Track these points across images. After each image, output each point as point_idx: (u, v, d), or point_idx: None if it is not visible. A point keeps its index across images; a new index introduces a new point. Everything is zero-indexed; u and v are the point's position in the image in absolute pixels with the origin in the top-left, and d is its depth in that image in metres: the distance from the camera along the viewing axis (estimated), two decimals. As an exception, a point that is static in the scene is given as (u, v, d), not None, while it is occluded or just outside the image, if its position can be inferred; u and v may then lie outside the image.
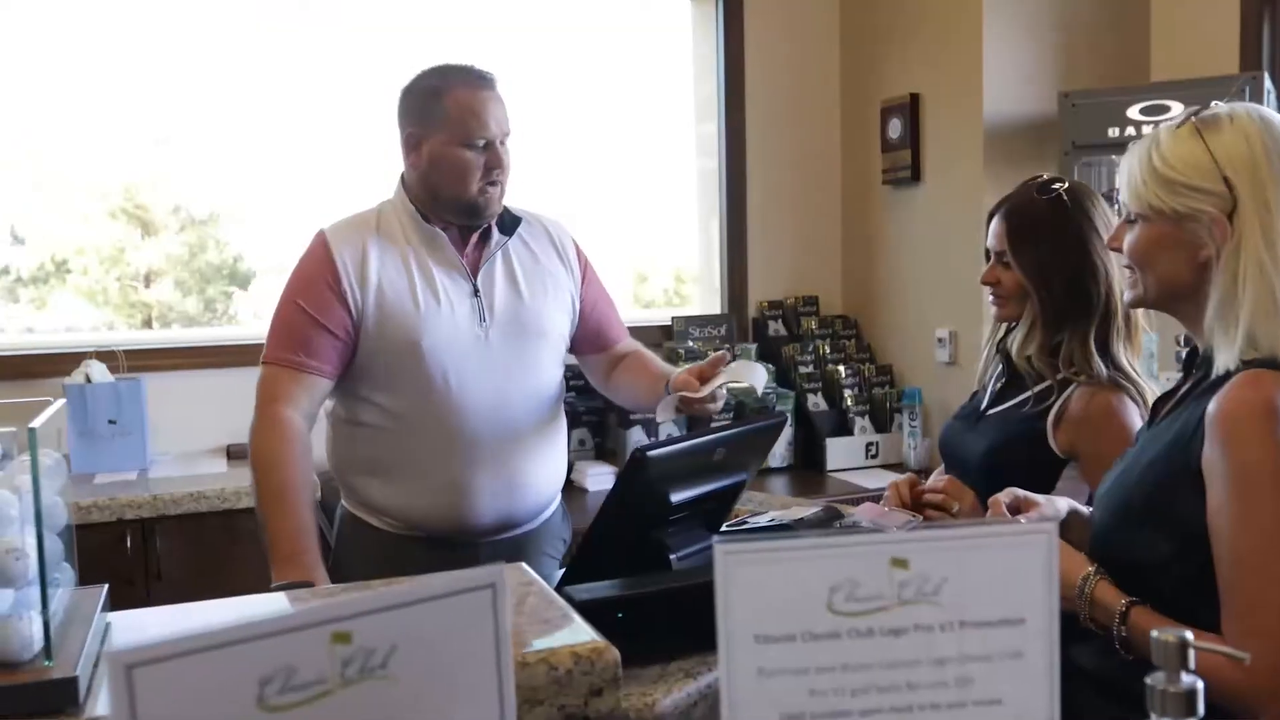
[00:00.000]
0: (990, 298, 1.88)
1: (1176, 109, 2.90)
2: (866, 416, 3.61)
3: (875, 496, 3.18)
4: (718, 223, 3.89)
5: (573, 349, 2.13)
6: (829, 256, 3.97)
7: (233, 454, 3.14)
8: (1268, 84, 2.91)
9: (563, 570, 1.52)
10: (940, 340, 3.51)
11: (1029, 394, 1.81)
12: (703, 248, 3.98)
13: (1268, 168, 1.22)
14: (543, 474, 1.98)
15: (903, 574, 0.73)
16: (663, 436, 3.38)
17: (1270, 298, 1.21)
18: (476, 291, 1.91)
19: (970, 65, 3.32)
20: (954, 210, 3.43)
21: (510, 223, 1.98)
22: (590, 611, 1.20)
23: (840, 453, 3.52)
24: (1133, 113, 2.96)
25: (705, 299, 3.97)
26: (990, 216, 1.88)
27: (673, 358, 3.60)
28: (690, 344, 3.66)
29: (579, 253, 2.10)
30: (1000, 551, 0.73)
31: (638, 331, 3.67)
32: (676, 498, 1.49)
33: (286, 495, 1.72)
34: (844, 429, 3.58)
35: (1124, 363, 1.77)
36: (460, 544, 1.88)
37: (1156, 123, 2.93)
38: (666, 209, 4.08)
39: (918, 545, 0.73)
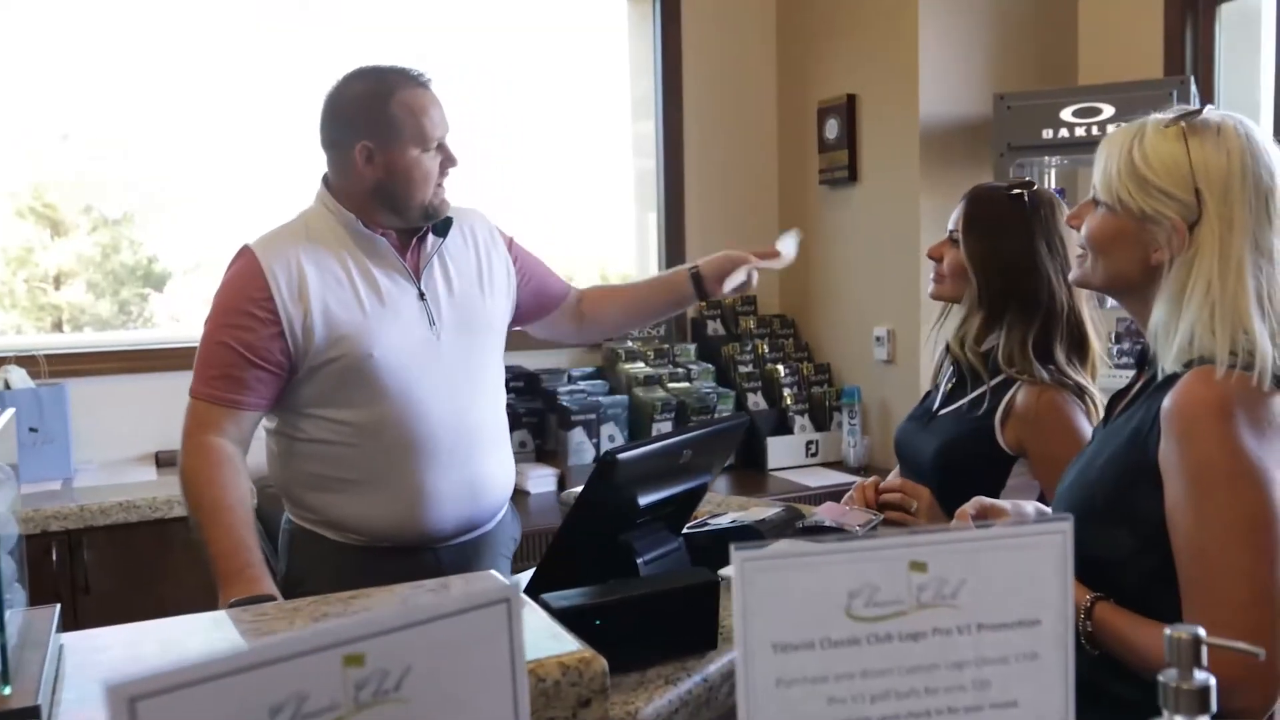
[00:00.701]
0: (932, 273, 1.94)
1: (1108, 111, 2.98)
2: (806, 415, 3.63)
3: (817, 495, 3.22)
4: (655, 222, 3.87)
5: (526, 320, 2.11)
6: (766, 256, 3.98)
7: (162, 461, 3.04)
8: (1194, 89, 3.00)
9: (532, 573, 1.48)
10: (878, 339, 3.54)
11: (977, 394, 1.83)
12: (639, 247, 3.96)
13: (1240, 186, 1.23)
14: (499, 473, 1.95)
15: (921, 577, 0.72)
16: (603, 438, 3.37)
17: (1211, 316, 1.22)
18: (422, 295, 1.87)
19: (906, 67, 3.36)
20: (891, 210, 3.47)
21: (443, 224, 1.94)
22: (568, 619, 1.17)
23: (781, 451, 3.54)
24: (1065, 115, 3.03)
25: (644, 299, 3.95)
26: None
27: (613, 357, 3.59)
28: (630, 344, 3.64)
29: (499, 232, 2.07)
30: (1016, 552, 0.73)
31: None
32: (644, 500, 1.47)
33: (220, 514, 1.67)
34: (784, 428, 3.60)
35: (1065, 366, 1.80)
36: (420, 550, 1.83)
37: (1088, 124, 3.03)
38: (600, 208, 4.05)
39: (936, 548, 0.72)
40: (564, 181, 3.90)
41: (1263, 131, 1.29)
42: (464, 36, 3.54)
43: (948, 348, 1.95)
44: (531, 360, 3.50)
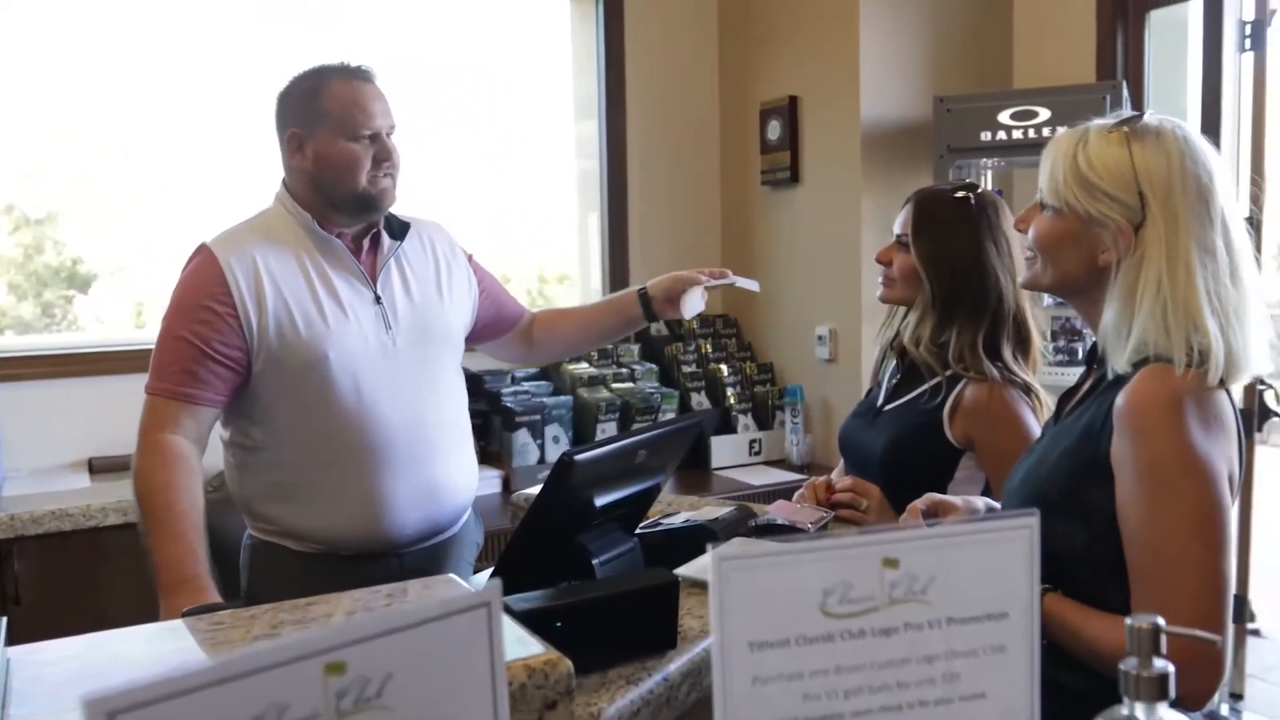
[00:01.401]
0: (879, 278, 1.96)
1: (1044, 114, 3.05)
2: (749, 414, 3.66)
3: (761, 493, 3.24)
4: (598, 222, 3.87)
5: (480, 339, 2.11)
6: (709, 256, 4.00)
7: (95, 468, 2.96)
8: (1125, 93, 3.08)
9: (488, 575, 1.47)
10: (820, 338, 3.58)
11: (924, 388, 1.87)
12: (581, 248, 3.96)
13: (1181, 189, 1.27)
14: (460, 478, 1.93)
15: (893, 574, 0.73)
16: (548, 439, 3.36)
17: (1163, 315, 1.26)
18: (379, 299, 1.85)
19: (847, 69, 3.40)
20: (832, 211, 3.51)
21: (399, 228, 1.93)
22: (529, 621, 1.17)
23: (725, 450, 3.56)
24: (1003, 117, 3.09)
25: (584, 299, 3.95)
26: (905, 204, 1.96)
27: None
28: (574, 345, 3.64)
29: (460, 248, 2.07)
30: (984, 547, 0.74)
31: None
32: (600, 501, 1.46)
33: (171, 520, 1.63)
34: (727, 427, 3.62)
35: (1012, 364, 1.85)
36: (381, 557, 1.81)
37: (1025, 127, 3.09)
38: (542, 209, 4.04)
39: (907, 545, 0.73)
40: (506, 181, 3.88)
41: (1198, 134, 1.33)
42: (405, 36, 3.51)
43: (891, 345, 1.98)
44: (475, 362, 3.46)
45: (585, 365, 3.59)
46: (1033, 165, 3.47)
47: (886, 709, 0.74)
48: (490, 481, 3.24)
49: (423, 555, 1.86)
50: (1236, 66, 3.14)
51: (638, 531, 1.68)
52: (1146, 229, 1.27)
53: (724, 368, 3.70)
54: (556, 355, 2.30)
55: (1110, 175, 1.28)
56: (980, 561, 0.74)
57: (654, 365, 3.67)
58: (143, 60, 3.19)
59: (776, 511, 1.77)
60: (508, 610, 1.18)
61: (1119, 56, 3.38)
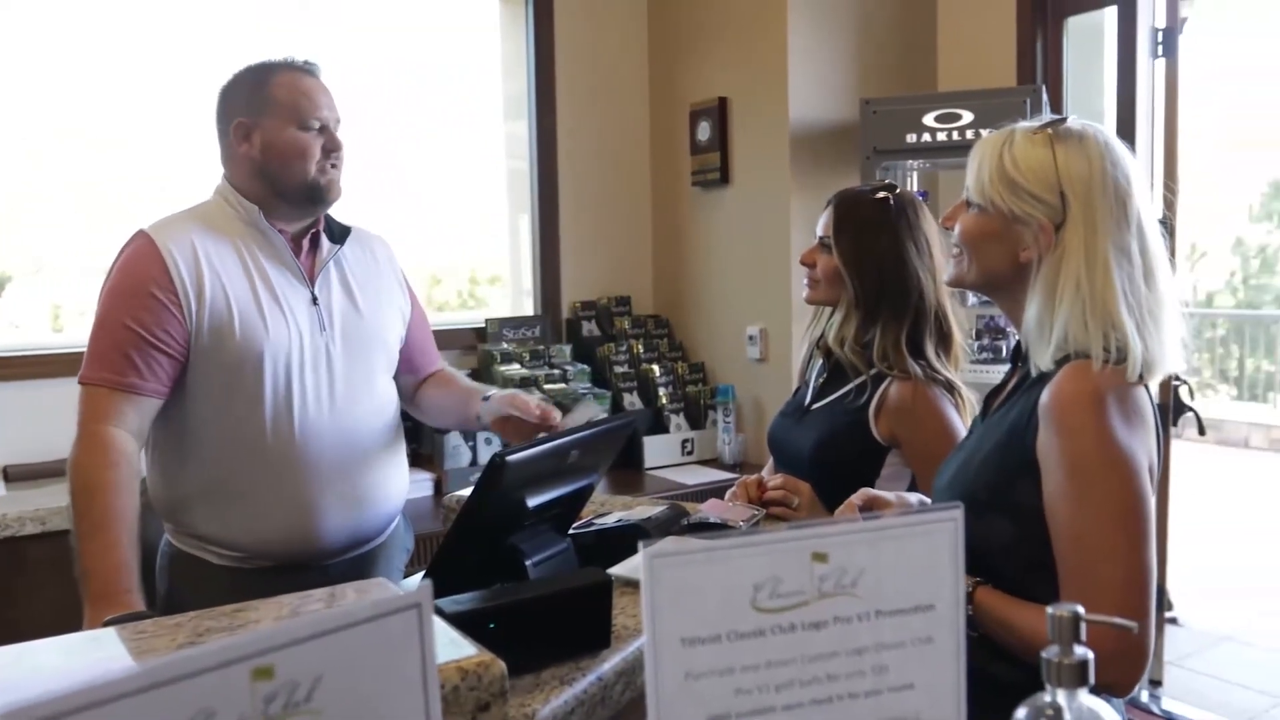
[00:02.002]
0: (804, 279, 1.98)
1: (967, 117, 3.11)
2: (681, 414, 3.68)
3: (694, 492, 3.26)
4: (529, 223, 3.86)
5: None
6: (640, 257, 4.01)
7: (11, 476, 2.87)
8: (1045, 97, 3.15)
9: (419, 578, 1.46)
10: (751, 338, 3.61)
11: (849, 388, 1.90)
12: (512, 249, 3.94)
13: (1101, 191, 1.30)
14: (389, 487, 1.89)
15: (823, 568, 0.74)
16: (480, 441, 3.34)
17: (1082, 313, 1.29)
18: (315, 300, 1.81)
19: (775, 71, 3.43)
20: (762, 211, 3.54)
21: (340, 232, 1.90)
22: (461, 623, 1.16)
23: (657, 450, 3.58)
24: (928, 120, 3.14)
25: (516, 301, 3.94)
26: (826, 206, 1.98)
27: (488, 359, 3.56)
28: (505, 345, 3.63)
29: (401, 270, 2.03)
30: (911, 540, 0.76)
31: (450, 335, 3.63)
32: (533, 502, 1.46)
33: (108, 526, 1.57)
34: (660, 427, 3.63)
35: (935, 362, 1.88)
36: (306, 568, 1.76)
37: (949, 129, 3.14)
38: (472, 210, 4.02)
39: (837, 539, 0.74)
40: (436, 182, 3.85)
41: (1117, 139, 1.37)
42: (335, 35, 3.46)
43: (817, 345, 2.00)
44: (405, 363, 3.44)
45: (517, 366, 3.57)
46: (957, 167, 3.56)
47: (817, 702, 0.75)
48: (422, 484, 3.22)
49: (348, 566, 1.81)
50: (1150, 72, 3.24)
51: (571, 532, 1.68)
52: (1067, 228, 1.31)
53: (656, 368, 3.71)
54: (419, 416, 2.14)
55: (1034, 175, 1.32)
56: (907, 555, 0.76)
57: (586, 366, 3.67)
58: (49, 64, 3.11)
59: (709, 510, 1.78)
60: (440, 613, 1.17)
61: (1038, 61, 3.46)
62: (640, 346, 3.80)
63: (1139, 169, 1.36)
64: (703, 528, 1.73)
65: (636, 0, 3.93)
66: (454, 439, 3.29)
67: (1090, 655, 0.77)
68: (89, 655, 1.06)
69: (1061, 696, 0.78)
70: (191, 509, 1.78)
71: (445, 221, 3.96)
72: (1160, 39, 3.23)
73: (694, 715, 0.73)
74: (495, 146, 3.91)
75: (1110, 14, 3.31)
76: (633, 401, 3.66)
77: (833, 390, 1.93)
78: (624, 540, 1.66)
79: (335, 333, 1.82)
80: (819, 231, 1.96)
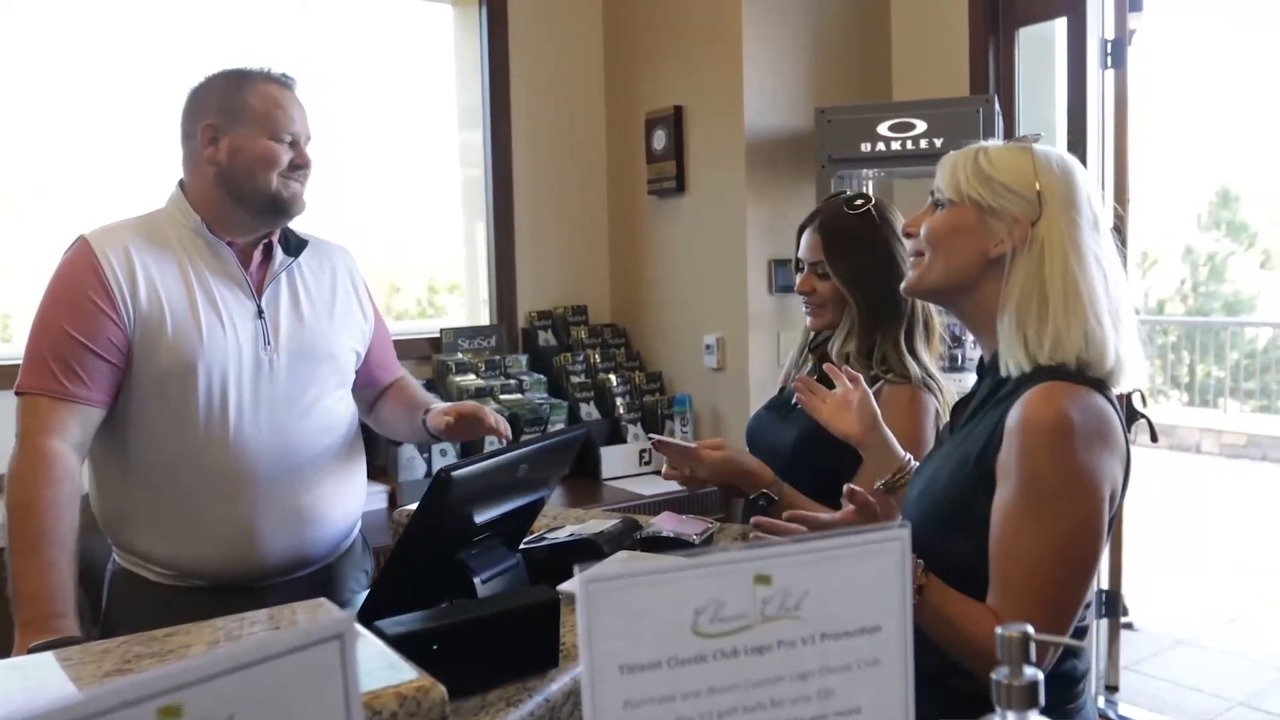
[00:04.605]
0: (805, 306, 1.97)
1: (921, 126, 3.12)
2: (639, 424, 3.65)
3: (651, 503, 3.24)
4: (484, 232, 3.82)
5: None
6: (597, 266, 3.99)
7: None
8: (997, 107, 3.17)
9: (364, 597, 1.42)
10: (708, 347, 3.60)
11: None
12: (468, 258, 3.90)
13: (1074, 197, 1.32)
14: (337, 508, 1.83)
15: (766, 590, 0.72)
16: (434, 453, 3.29)
17: (1063, 308, 1.29)
18: (261, 313, 1.77)
19: (731, 79, 3.42)
20: (718, 220, 3.53)
21: (296, 244, 1.86)
22: (403, 645, 1.13)
23: (615, 460, 3.55)
24: (882, 129, 3.15)
25: (473, 310, 3.89)
26: (801, 229, 1.97)
27: (444, 370, 3.52)
28: (460, 356, 3.58)
29: (363, 282, 1.99)
30: (856, 561, 0.74)
31: (406, 345, 3.58)
32: (481, 517, 1.43)
33: (44, 547, 1.52)
34: (617, 437, 3.60)
35: (929, 363, 1.90)
36: (249, 589, 1.71)
37: (903, 139, 3.15)
38: (425, 218, 3.98)
39: (779, 560, 0.72)
40: (393, 190, 3.81)
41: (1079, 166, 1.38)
42: (289, 42, 3.41)
43: (810, 349, 2.01)
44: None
45: (473, 377, 3.53)
46: (912, 175, 3.56)
47: (761, 728, 0.72)
48: (376, 497, 3.16)
49: (298, 586, 1.76)
50: (1100, 82, 3.27)
51: (522, 546, 1.65)
52: (1042, 224, 1.31)
53: (613, 377, 3.68)
54: (377, 430, 2.11)
55: (1011, 172, 1.33)
56: (852, 575, 0.74)
57: (542, 376, 3.64)
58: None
59: (662, 523, 1.76)
60: (380, 635, 1.14)
61: (991, 71, 3.48)
62: (597, 356, 3.78)
63: (1097, 187, 1.39)
64: (655, 541, 1.71)
65: (592, 8, 3.91)
66: (408, 451, 3.24)
67: (1040, 676, 0.76)
68: (9, 685, 1.02)
69: (1011, 717, 0.76)
70: (131, 525, 1.74)
71: (403, 230, 3.92)
72: (1109, 50, 3.26)
73: (633, 745, 0.70)
74: (450, 155, 3.87)
75: (1061, 25, 3.34)
76: (590, 411, 3.63)
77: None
78: (576, 554, 1.64)
79: (279, 347, 1.77)
80: (806, 258, 1.96)
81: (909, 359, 1.87)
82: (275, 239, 1.83)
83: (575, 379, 3.66)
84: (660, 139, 3.67)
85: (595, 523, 1.79)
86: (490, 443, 3.23)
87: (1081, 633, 1.28)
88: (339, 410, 1.87)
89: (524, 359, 3.71)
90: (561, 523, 1.84)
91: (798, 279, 1.99)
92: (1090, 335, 1.28)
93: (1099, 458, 1.24)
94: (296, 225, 1.89)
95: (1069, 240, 1.30)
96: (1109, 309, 1.31)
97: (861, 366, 1.89)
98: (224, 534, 1.71)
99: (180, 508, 1.70)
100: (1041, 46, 3.45)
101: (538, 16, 3.78)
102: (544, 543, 1.70)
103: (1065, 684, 1.33)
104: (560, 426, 3.50)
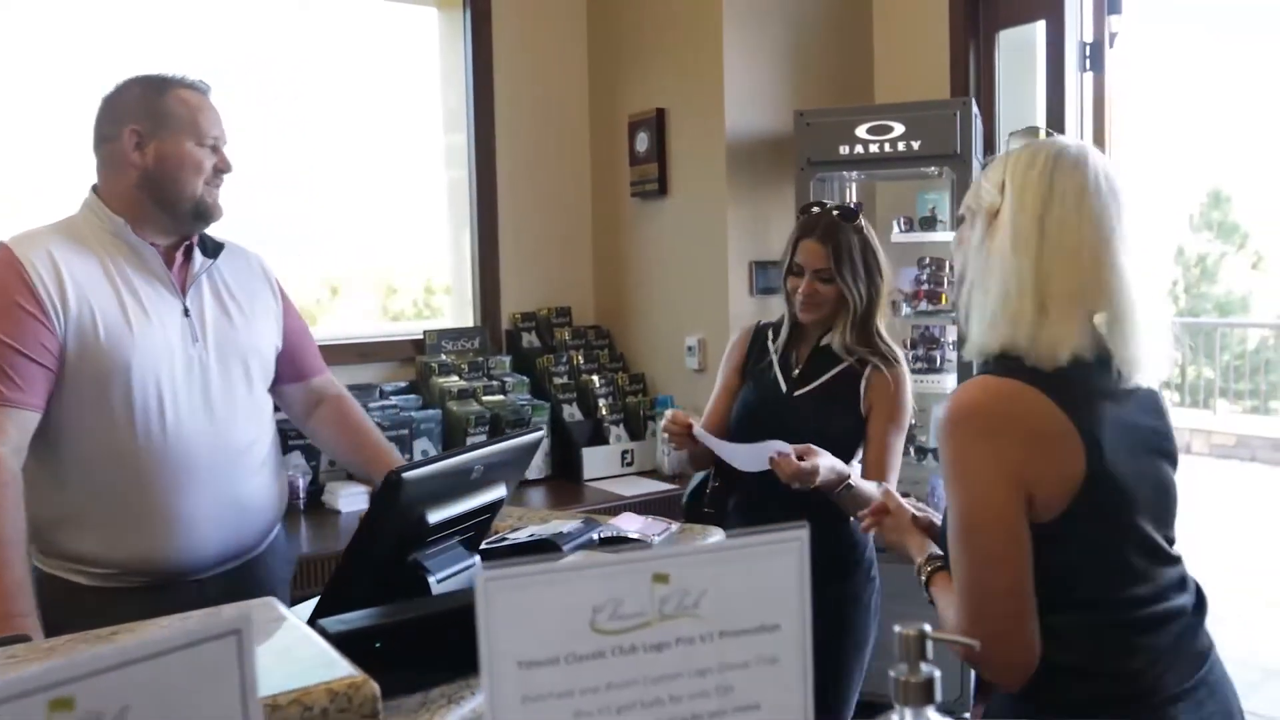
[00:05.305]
0: (799, 302, 2.22)
1: (899, 129, 3.13)
2: (621, 425, 3.67)
3: (632, 504, 3.25)
4: (469, 234, 3.84)
5: (276, 380, 2.02)
6: (581, 267, 4.01)
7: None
8: (975, 110, 3.19)
9: (321, 596, 1.44)
10: (690, 348, 3.62)
11: (837, 372, 2.23)
12: (454, 259, 3.92)
13: (1039, 187, 1.31)
14: (268, 497, 1.89)
15: (664, 589, 0.74)
16: (416, 453, 3.31)
17: (977, 296, 1.35)
18: (187, 311, 1.81)
19: (712, 82, 3.44)
20: (700, 222, 3.55)
21: (213, 247, 1.90)
22: (346, 643, 1.15)
23: (597, 462, 3.56)
24: (860, 132, 3.16)
25: (458, 311, 3.91)
26: (798, 236, 2.23)
27: (427, 373, 3.54)
28: (443, 357, 3.60)
29: (278, 282, 2.04)
30: (754, 562, 0.76)
31: (389, 347, 3.60)
32: (434, 518, 1.45)
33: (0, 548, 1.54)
34: (599, 438, 3.62)
35: (890, 339, 2.26)
36: (182, 584, 1.74)
37: (881, 141, 3.17)
38: (418, 220, 4.00)
39: (677, 560, 0.74)
40: (384, 193, 3.83)
41: (1099, 160, 1.34)
42: (277, 47, 3.44)
43: (786, 340, 2.27)
44: (342, 376, 3.39)
45: (455, 378, 3.55)
46: (891, 178, 3.57)
47: (660, 723, 0.74)
48: (357, 498, 3.17)
49: (226, 580, 1.80)
50: (1078, 85, 3.29)
51: (483, 547, 1.67)
52: (1000, 215, 1.34)
53: (596, 379, 3.70)
54: (314, 443, 2.18)
55: (990, 171, 1.39)
56: (751, 576, 0.75)
57: (525, 377, 3.66)
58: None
59: (622, 523, 1.78)
60: (323, 633, 1.16)
61: (972, 74, 3.50)
62: (580, 357, 3.79)
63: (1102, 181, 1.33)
64: (615, 542, 1.72)
65: (575, 11, 3.93)
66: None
67: (937, 673, 0.78)
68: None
69: (909, 714, 0.78)
70: (65, 528, 1.75)
71: (400, 231, 3.95)
72: (1088, 53, 3.28)
73: (533, 739, 0.72)
74: (436, 157, 3.89)
75: (1042, 27, 3.36)
76: (572, 413, 3.65)
77: (814, 378, 2.22)
78: (535, 554, 1.66)
79: (209, 343, 1.82)
80: (809, 264, 2.19)
81: (888, 341, 2.23)
82: (194, 242, 1.87)
83: (558, 380, 3.68)
84: (643, 141, 3.69)
85: (557, 523, 1.81)
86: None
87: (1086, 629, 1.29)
88: (265, 403, 1.93)
89: (507, 360, 3.73)
90: (525, 524, 1.86)
91: (790, 280, 2.23)
92: (1018, 322, 1.29)
93: (990, 446, 1.25)
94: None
95: (1013, 226, 1.31)
96: (1066, 295, 1.29)
97: (858, 352, 2.20)
98: (167, 528, 1.74)
99: (118, 506, 1.72)
100: (1023, 49, 3.46)
101: (522, 19, 3.80)
102: (504, 543, 1.72)
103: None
104: (542, 428, 3.52)
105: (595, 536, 1.73)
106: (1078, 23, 3.28)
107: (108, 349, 1.70)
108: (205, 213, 1.82)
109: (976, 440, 1.25)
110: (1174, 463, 1.40)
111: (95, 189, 1.83)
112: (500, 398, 3.53)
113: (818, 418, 2.18)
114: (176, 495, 1.74)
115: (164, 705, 0.62)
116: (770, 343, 2.31)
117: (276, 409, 2.02)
